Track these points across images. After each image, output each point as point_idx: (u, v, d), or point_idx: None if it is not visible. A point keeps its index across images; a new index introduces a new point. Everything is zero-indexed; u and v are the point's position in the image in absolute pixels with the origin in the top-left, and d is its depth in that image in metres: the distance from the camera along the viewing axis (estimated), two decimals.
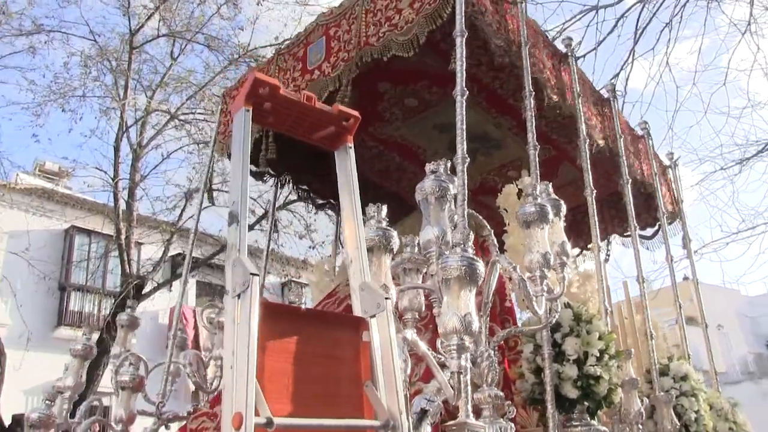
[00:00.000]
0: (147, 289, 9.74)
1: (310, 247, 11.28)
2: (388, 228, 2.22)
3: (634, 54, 8.03)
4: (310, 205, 6.33)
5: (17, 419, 8.31)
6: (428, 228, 2.42)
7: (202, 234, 11.30)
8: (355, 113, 2.17)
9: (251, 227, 10.13)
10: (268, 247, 5.93)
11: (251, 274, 1.66)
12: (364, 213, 2.12)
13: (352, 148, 2.18)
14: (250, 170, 5.37)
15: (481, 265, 2.12)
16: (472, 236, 2.64)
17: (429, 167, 2.51)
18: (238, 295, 1.69)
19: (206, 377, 3.82)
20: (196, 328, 19.19)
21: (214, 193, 10.62)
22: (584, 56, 7.87)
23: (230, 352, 1.63)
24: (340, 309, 3.68)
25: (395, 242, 2.23)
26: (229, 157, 5.14)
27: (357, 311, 1.98)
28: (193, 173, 10.77)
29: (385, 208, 2.29)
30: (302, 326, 1.81)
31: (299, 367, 1.74)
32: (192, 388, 4.02)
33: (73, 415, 3.76)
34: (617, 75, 8.01)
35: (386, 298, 1.92)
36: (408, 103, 5.30)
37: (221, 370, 3.72)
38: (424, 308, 2.55)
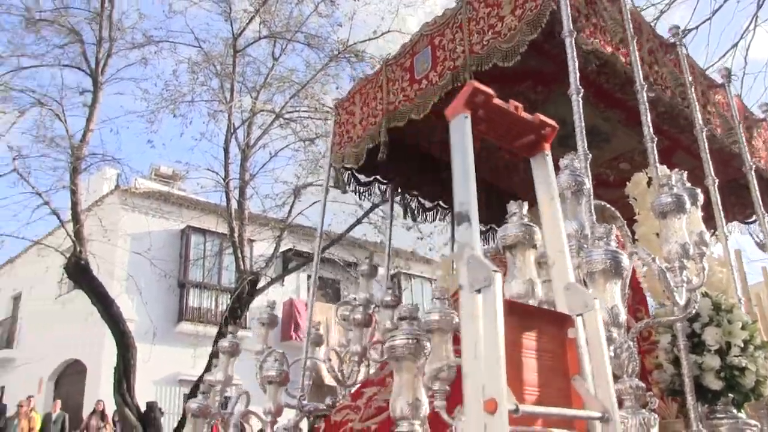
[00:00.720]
0: (261, 284, 10.12)
1: (418, 239, 11.38)
2: (531, 224, 2.27)
3: (757, 20, 7.52)
4: (421, 212, 6.37)
5: (150, 406, 8.88)
6: (566, 222, 2.45)
7: (311, 229, 11.60)
8: (553, 123, 2.27)
9: (359, 221, 10.33)
10: (390, 241, 6.03)
11: (493, 271, 1.77)
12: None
13: (550, 155, 2.29)
14: (359, 178, 5.55)
15: (625, 258, 2.20)
16: (614, 230, 2.66)
17: (562, 162, 2.55)
18: (478, 291, 1.79)
19: (344, 372, 3.99)
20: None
21: (316, 188, 10.95)
22: (697, 28, 7.45)
23: (472, 344, 1.76)
24: None
25: (538, 238, 2.28)
26: (344, 165, 5.30)
27: (562, 309, 2.09)
28: (300, 170, 11.07)
29: (526, 205, 2.35)
30: (522, 321, 1.94)
31: (525, 358, 1.89)
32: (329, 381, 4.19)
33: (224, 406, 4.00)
34: (735, 45, 7.52)
35: (594, 299, 2.03)
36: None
37: (358, 365, 3.88)
38: None
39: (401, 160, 5.41)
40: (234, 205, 10.34)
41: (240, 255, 10.10)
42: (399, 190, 6.10)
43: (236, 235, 10.09)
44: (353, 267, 12.06)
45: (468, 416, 1.71)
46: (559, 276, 2.16)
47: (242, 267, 10.07)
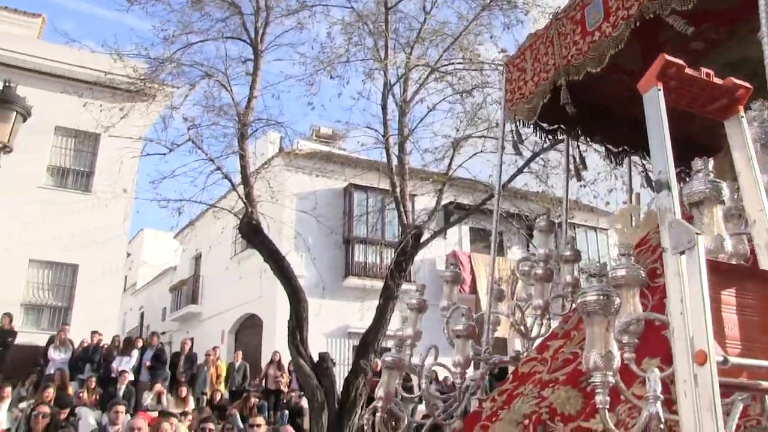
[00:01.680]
0: (424, 237, 10.20)
1: (581, 186, 11.00)
2: (717, 180, 2.25)
3: None
4: (610, 157, 6.10)
5: (323, 356, 9.26)
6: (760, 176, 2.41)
7: (471, 181, 11.53)
8: (746, 84, 2.28)
9: (520, 170, 10.13)
10: (567, 194, 5.85)
11: (696, 233, 1.92)
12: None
13: (744, 117, 2.33)
14: (542, 126, 5.43)
15: None
16: None
17: (750, 113, 2.46)
18: (681, 252, 1.93)
19: (526, 325, 4.02)
20: (472, 273, 19.82)
21: (475, 140, 10.83)
22: None
23: (678, 301, 1.92)
24: (655, 256, 3.61)
25: (725, 194, 2.26)
26: (518, 120, 5.22)
27: (765, 266, 2.18)
28: (458, 123, 10.99)
29: (711, 162, 2.27)
30: (725, 278, 2.03)
31: (727, 314, 1.98)
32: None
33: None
34: None
35: None
36: (693, 46, 4.91)
37: (541, 318, 3.91)
38: (748, 253, 2.52)
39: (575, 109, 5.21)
40: (394, 161, 10.44)
41: (402, 210, 10.21)
42: (572, 139, 5.86)
43: (398, 190, 10.21)
44: (515, 218, 11.89)
45: (678, 368, 1.83)
46: (760, 235, 2.24)
47: (405, 221, 10.19)
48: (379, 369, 15.47)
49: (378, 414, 3.33)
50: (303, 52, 11.53)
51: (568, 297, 3.96)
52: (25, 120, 8.35)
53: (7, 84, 8.34)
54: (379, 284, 11.35)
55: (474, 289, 18.12)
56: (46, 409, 8.34)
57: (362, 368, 9.38)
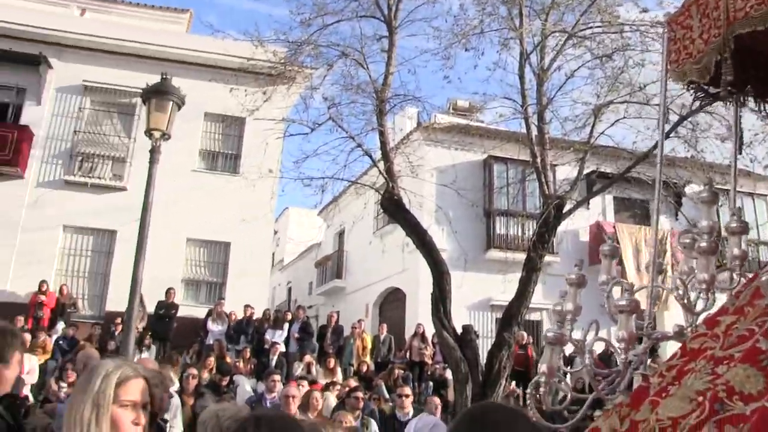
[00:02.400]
0: (566, 208, 9.98)
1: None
2: None
3: None
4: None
5: (466, 328, 9.30)
6: None
7: (614, 149, 11.14)
8: None
9: (667, 135, 9.65)
10: (735, 159, 5.53)
11: None
12: None
13: None
14: (710, 92, 5.13)
15: None
16: None
17: None
18: None
19: (690, 299, 3.91)
20: (617, 243, 19.15)
21: (617, 106, 10.41)
22: None
23: None
24: None
25: None
26: (686, 84, 4.96)
27: None
28: (599, 89, 10.60)
29: None
30: None
31: None
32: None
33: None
34: None
35: None
36: None
37: (706, 293, 3.78)
38: None
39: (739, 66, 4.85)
40: (534, 131, 10.25)
41: (543, 180, 10.02)
42: (754, 100, 5.46)
43: (538, 160, 10.02)
44: (662, 186, 11.36)
45: None
46: None
47: (546, 192, 10.00)
48: (524, 341, 15.40)
49: (542, 389, 3.36)
50: (437, 26, 11.47)
51: (736, 270, 3.75)
52: (179, 109, 8.90)
53: (164, 76, 8.91)
54: (521, 256, 11.25)
55: (619, 261, 17.53)
56: (194, 371, 8.99)
57: (506, 340, 9.34)
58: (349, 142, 10.44)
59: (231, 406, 4.11)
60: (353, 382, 10.56)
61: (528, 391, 3.69)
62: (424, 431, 3.11)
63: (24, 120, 17.88)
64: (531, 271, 9.66)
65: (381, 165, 10.36)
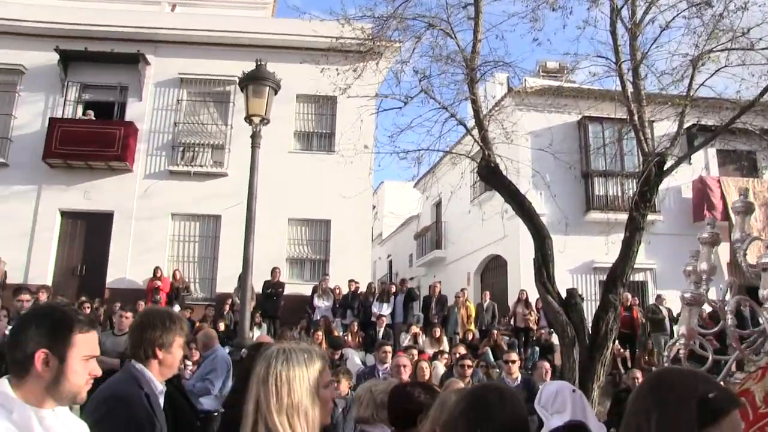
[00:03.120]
0: (667, 164, 9.70)
1: None
2: None
3: None
4: None
5: (571, 292, 9.25)
6: None
7: (716, 100, 10.73)
8: None
9: None
10: None
11: None
12: None
13: None
14: None
15: None
16: None
17: None
18: None
19: None
20: (723, 198, 18.48)
21: (717, 55, 9.97)
22: None
23: None
24: None
25: None
26: None
27: None
28: (696, 38, 10.19)
29: None
30: None
31: None
32: None
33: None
34: None
35: None
36: None
37: None
38: None
39: None
40: (630, 87, 9.98)
41: (642, 138, 9.74)
42: None
43: (636, 117, 9.76)
44: None
45: None
46: None
47: (645, 149, 9.72)
48: (629, 303, 15.13)
49: (682, 351, 3.36)
50: None
51: None
52: (276, 93, 9.17)
53: (258, 63, 9.19)
54: (622, 217, 11.01)
55: (726, 216, 16.88)
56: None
57: (611, 302, 9.21)
58: (442, 112, 10.45)
59: (381, 381, 4.33)
60: (462, 349, 10.68)
61: (665, 354, 3.67)
62: (557, 396, 3.16)
63: (128, 116, 18.86)
64: (634, 231, 9.46)
65: (475, 133, 10.34)
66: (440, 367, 10.44)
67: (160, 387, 3.11)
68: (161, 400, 3.11)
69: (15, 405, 2.03)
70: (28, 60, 18.82)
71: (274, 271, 16.24)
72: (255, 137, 9.20)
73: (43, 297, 11.83)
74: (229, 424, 3.34)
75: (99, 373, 2.25)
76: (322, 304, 15.86)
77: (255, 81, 9.04)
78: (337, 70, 11.30)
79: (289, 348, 2.23)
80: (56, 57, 18.51)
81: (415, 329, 14.12)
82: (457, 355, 9.98)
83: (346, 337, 13.85)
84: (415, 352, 10.06)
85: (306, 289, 16.85)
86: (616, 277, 9.40)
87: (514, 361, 9.32)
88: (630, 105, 9.70)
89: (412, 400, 3.29)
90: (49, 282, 17.04)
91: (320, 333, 12.80)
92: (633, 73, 9.95)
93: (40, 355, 2.07)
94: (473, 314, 15.98)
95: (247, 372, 3.47)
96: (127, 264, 17.71)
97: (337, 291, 16.26)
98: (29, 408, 2.05)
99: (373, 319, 15.24)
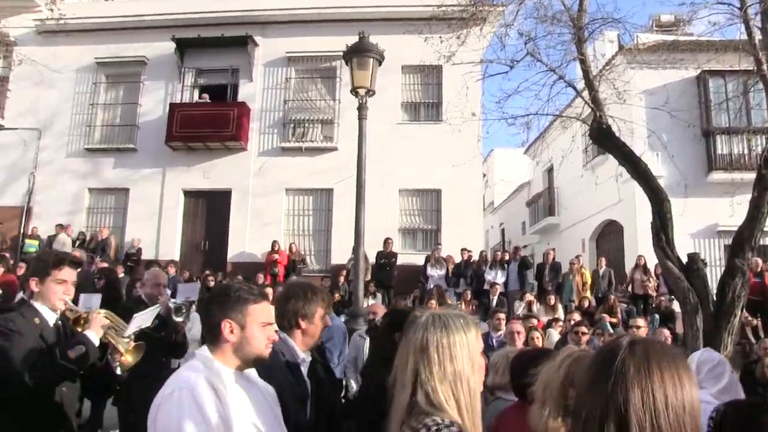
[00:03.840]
0: None
1: None
2: None
3: None
4: None
5: (692, 257, 8.87)
6: None
7: None
8: None
9: None
10: None
11: None
12: None
13: None
14: None
15: None
16: None
17: None
18: None
19: None
20: None
21: None
22: None
23: None
24: None
25: None
26: None
27: None
28: None
29: None
30: None
31: None
32: None
33: None
34: None
35: None
36: None
37: None
38: None
39: None
40: (757, 34, 9.33)
41: None
42: None
43: (765, 67, 9.14)
44: None
45: None
46: None
47: None
48: (759, 269, 14.31)
49: None
50: None
51: None
52: (380, 64, 9.19)
53: (361, 35, 9.22)
54: (749, 176, 10.39)
55: None
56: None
57: (739, 267, 8.73)
58: (550, 75, 10.17)
59: (516, 349, 4.25)
60: (577, 316, 10.47)
61: None
62: (707, 365, 3.03)
63: (241, 97, 19.55)
64: (763, 190, 8.89)
65: (585, 95, 10.01)
66: (555, 335, 10.27)
67: (302, 356, 3.24)
68: (304, 369, 3.22)
69: (213, 365, 2.45)
70: (149, 51, 20.04)
71: (386, 241, 16.43)
72: (361, 109, 9.27)
73: (172, 271, 12.84)
74: (372, 392, 3.34)
75: (276, 338, 2.67)
76: (435, 273, 15.92)
77: (358, 53, 9.09)
78: (440, 38, 11.20)
79: (445, 314, 2.18)
80: (173, 46, 19.55)
81: (529, 297, 13.96)
82: (572, 323, 9.77)
83: (460, 306, 13.86)
84: (534, 321, 9.92)
85: (419, 259, 16.96)
86: (743, 240, 8.89)
87: (639, 327, 9.01)
88: (758, 53, 9.06)
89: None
90: (177, 257, 18.03)
91: (433, 302, 12.85)
92: (763, 17, 9.27)
93: (225, 325, 2.50)
94: (589, 281, 15.62)
95: (385, 340, 3.49)
96: (246, 239, 18.41)
97: (450, 260, 16.28)
98: (223, 369, 2.46)
99: (487, 287, 15.17)
